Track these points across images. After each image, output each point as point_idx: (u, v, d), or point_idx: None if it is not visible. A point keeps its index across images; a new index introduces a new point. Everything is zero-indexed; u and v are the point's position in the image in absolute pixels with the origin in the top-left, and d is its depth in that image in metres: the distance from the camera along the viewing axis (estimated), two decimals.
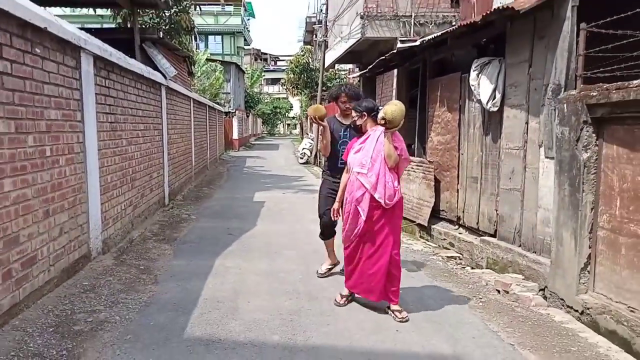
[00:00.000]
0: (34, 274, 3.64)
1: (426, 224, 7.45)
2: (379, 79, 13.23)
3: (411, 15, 11.99)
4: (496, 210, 5.99)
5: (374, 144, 3.99)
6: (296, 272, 5.07)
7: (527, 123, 5.36)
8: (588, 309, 4.20)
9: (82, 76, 4.65)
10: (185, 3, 11.64)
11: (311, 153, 21.14)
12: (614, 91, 3.94)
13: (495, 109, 5.79)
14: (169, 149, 8.92)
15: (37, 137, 3.73)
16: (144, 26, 9.07)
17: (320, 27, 20.16)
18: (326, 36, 18.60)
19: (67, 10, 19.53)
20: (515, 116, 5.55)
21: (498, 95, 5.72)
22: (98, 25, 18.36)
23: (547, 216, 5.03)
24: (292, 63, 26.76)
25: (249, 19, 52.76)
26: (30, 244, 3.59)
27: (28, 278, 3.54)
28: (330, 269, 5.02)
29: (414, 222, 7.80)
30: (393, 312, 3.98)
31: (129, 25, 10.37)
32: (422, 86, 8.13)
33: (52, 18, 3.95)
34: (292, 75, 25.80)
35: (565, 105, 4.57)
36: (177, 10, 11.62)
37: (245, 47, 51.10)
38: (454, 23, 11.86)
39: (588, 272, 4.35)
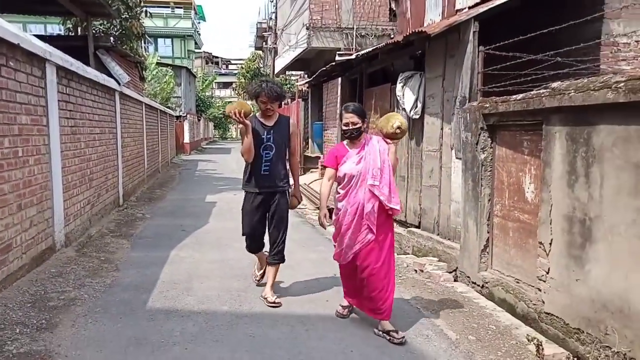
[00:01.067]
0: (10, 260, 4.15)
1: None
2: (325, 87, 14.07)
3: (353, 28, 12.93)
4: (420, 205, 6.90)
5: (377, 154, 3.76)
6: (245, 260, 5.71)
7: (441, 129, 6.29)
8: (486, 282, 5.11)
9: (47, 85, 5.15)
10: (135, 10, 12.04)
11: None
12: (500, 103, 4.88)
13: (417, 116, 6.71)
14: (123, 152, 9.35)
15: (11, 139, 4.24)
16: (95, 32, 9.43)
17: (270, 34, 20.88)
18: (276, 43, 19.33)
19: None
20: (433, 123, 6.48)
21: (419, 105, 6.64)
22: (42, 25, 18.22)
23: (458, 208, 5.96)
24: (243, 68, 27.27)
25: (199, 22, 52.69)
26: (7, 233, 4.10)
27: (5, 263, 4.06)
28: (263, 274, 4.69)
29: None
30: (388, 334, 3.65)
31: (79, 32, 10.70)
32: (359, 95, 9.00)
33: (22, 34, 4.46)
34: (243, 80, 26.31)
35: (468, 114, 5.50)
36: (127, 16, 11.99)
37: (196, 51, 51.02)
38: (392, 35, 12.88)
39: (487, 253, 5.27)
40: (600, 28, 6.63)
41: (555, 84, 4.07)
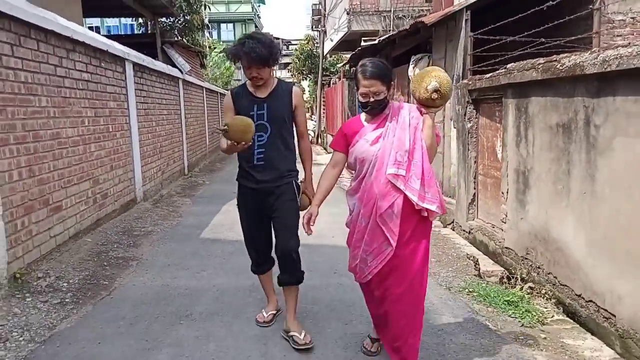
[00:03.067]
0: (107, 204, 5.86)
1: None
2: None
3: (391, 10, 13.88)
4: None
5: (406, 131, 2.59)
6: None
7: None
8: (472, 229, 6.25)
9: (127, 78, 6.79)
10: (195, 5, 13.72)
11: (314, 133, 23.19)
12: (478, 80, 5.94)
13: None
14: (187, 130, 11.09)
15: (105, 119, 5.90)
16: (162, 26, 11.13)
17: (320, 17, 22.07)
18: (324, 26, 20.51)
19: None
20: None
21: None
22: (116, 20, 20.41)
23: (455, 170, 7.07)
24: (297, 50, 28.71)
25: (259, 6, 54.53)
26: (105, 185, 5.80)
27: (104, 205, 5.76)
28: (275, 315, 3.46)
29: None
30: None
31: (149, 26, 12.53)
32: None
33: (109, 42, 6.08)
34: (297, 62, 27.80)
35: (459, 90, 6.58)
36: (189, 11, 13.70)
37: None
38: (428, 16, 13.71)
39: (474, 205, 6.39)
40: (595, 7, 7.37)
41: (509, 65, 5.12)
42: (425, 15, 14.28)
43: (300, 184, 3.19)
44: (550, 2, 5.21)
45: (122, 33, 16.21)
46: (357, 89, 2.70)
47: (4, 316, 3.32)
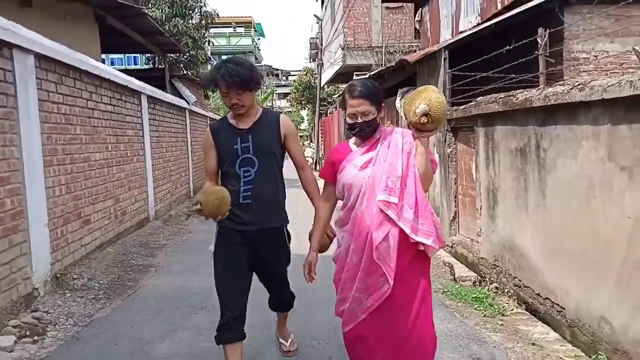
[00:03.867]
0: (125, 220, 6.55)
1: None
2: None
3: (382, 46, 14.88)
4: None
5: (398, 156, 2.34)
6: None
7: None
8: (454, 244, 6.94)
9: (142, 109, 7.58)
10: (200, 42, 14.71)
11: (313, 160, 24.07)
12: (454, 111, 6.74)
13: None
14: (192, 156, 11.86)
15: (124, 145, 6.65)
16: (169, 61, 12.03)
17: (317, 51, 23.21)
18: (321, 59, 21.58)
19: None
20: None
21: None
22: (121, 56, 21.53)
23: (438, 191, 7.81)
24: (295, 82, 29.87)
25: (259, 39, 56.37)
26: (124, 203, 6.51)
27: (123, 221, 6.46)
28: None
29: None
30: None
31: (157, 65, 13.51)
32: None
33: (128, 78, 6.88)
34: (296, 93, 28.90)
35: None
36: (193, 47, 14.69)
37: (257, 65, 54.66)
38: (417, 51, 14.69)
39: (455, 222, 7.10)
40: (562, 47, 8.26)
41: (479, 98, 5.92)
42: (415, 50, 15.28)
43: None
44: (512, 45, 6.03)
45: (127, 65, 17.20)
46: (344, 109, 2.49)
47: (51, 306, 3.99)
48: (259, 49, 55.28)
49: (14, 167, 3.71)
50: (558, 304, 4.03)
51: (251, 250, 2.73)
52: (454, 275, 5.37)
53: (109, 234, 5.80)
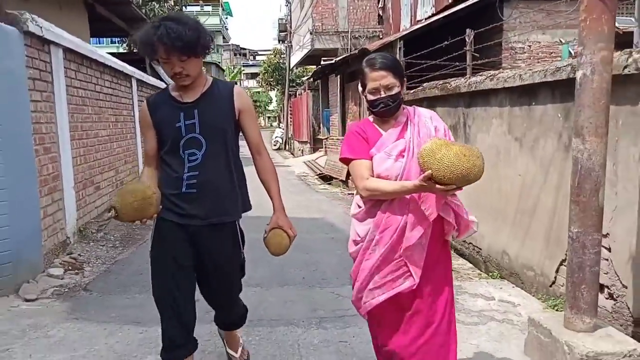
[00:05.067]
0: None
1: (344, 179, 11.48)
2: (331, 79, 17.15)
3: (348, 31, 15.93)
4: None
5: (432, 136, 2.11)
6: None
7: None
8: None
9: (132, 91, 8.47)
10: None
11: (282, 140, 25.12)
12: (406, 94, 7.93)
13: None
14: None
15: (121, 124, 7.59)
16: None
17: (287, 33, 24.05)
18: (290, 42, 22.46)
19: None
20: None
21: None
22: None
23: None
24: (265, 62, 30.59)
25: (227, 18, 56.23)
26: (122, 174, 7.48)
27: None
28: None
29: (338, 178, 11.83)
30: None
31: (133, 48, 14.22)
32: (342, 89, 12.12)
33: (122, 64, 7.77)
34: (265, 74, 29.67)
35: None
36: None
37: (225, 45, 54.66)
38: (380, 36, 15.84)
39: None
40: (501, 37, 9.55)
41: (424, 84, 7.13)
42: (378, 35, 16.41)
43: (273, 216, 2.30)
44: (448, 41, 7.24)
45: (107, 50, 17.83)
46: (363, 88, 2.15)
47: (82, 251, 5.03)
48: (227, 28, 55.24)
49: (53, 139, 4.69)
50: (477, 246, 5.31)
51: (195, 248, 2.21)
52: None
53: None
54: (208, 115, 2.18)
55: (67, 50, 5.10)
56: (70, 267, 4.56)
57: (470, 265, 5.08)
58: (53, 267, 4.46)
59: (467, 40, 6.07)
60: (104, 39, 16.14)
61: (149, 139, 2.28)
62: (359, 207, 2.18)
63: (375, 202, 2.11)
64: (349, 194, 10.07)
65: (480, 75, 5.38)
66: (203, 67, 2.33)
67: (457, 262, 5.14)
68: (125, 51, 14.85)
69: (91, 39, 10.70)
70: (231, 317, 2.54)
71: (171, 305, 2.23)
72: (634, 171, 3.03)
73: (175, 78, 2.12)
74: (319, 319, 3.51)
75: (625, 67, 3.03)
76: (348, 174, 11.46)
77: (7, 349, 3.05)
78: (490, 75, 5.08)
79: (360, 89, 2.22)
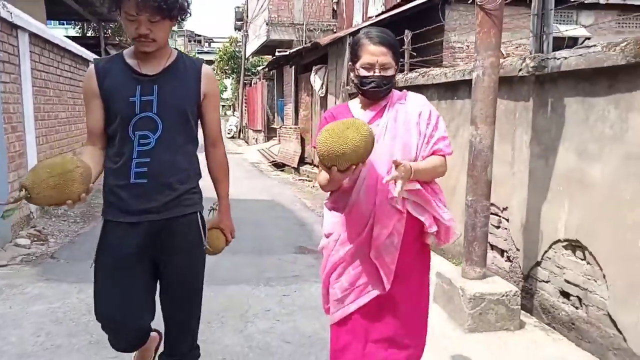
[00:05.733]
0: None
1: (296, 166, 12.07)
2: (285, 70, 17.61)
3: (303, 24, 16.42)
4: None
5: (412, 131, 1.90)
6: None
7: (335, 102, 9.99)
8: None
9: None
10: None
11: (237, 129, 25.37)
12: (347, 88, 8.57)
13: (323, 95, 10.40)
14: None
15: (78, 107, 7.82)
16: (105, 33, 12.81)
17: (243, 23, 24.23)
18: (247, 31, 22.68)
19: None
20: (332, 98, 10.18)
21: (324, 88, 10.32)
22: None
23: None
24: (220, 50, 30.57)
25: None
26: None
27: None
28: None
29: (290, 165, 12.39)
30: None
31: (86, 33, 14.21)
32: (295, 79, 12.64)
33: (81, 49, 7.99)
34: (221, 63, 29.68)
35: (342, 93, 9.21)
36: None
37: (179, 30, 53.73)
38: (334, 30, 16.43)
39: None
40: (442, 38, 10.35)
41: None
42: (332, 28, 17.00)
43: (210, 212, 2.10)
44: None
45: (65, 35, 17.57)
46: (353, 62, 1.91)
47: (44, 225, 5.38)
48: None
49: (19, 119, 4.99)
50: None
51: (150, 249, 1.86)
52: None
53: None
54: (169, 93, 1.83)
55: (32, 35, 5.37)
56: (35, 239, 4.91)
57: None
58: (20, 238, 4.80)
59: (405, 40, 6.72)
60: (54, 21, 15.87)
61: (93, 111, 1.85)
62: (330, 195, 1.99)
63: (341, 192, 1.90)
64: (299, 179, 10.67)
65: (415, 72, 6.07)
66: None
67: None
68: (78, 35, 14.78)
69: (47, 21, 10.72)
70: (182, 346, 1.98)
71: (118, 319, 1.87)
72: (525, 155, 3.76)
73: (138, 41, 1.76)
74: (266, 279, 4.08)
75: (520, 70, 3.76)
76: (300, 161, 12.06)
77: None
78: (423, 73, 5.78)
79: (349, 64, 1.97)
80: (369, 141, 1.65)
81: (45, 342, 2.90)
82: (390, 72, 1.86)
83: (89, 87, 1.88)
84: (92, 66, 1.90)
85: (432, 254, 2.13)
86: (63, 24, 15.06)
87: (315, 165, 11.35)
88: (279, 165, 12.90)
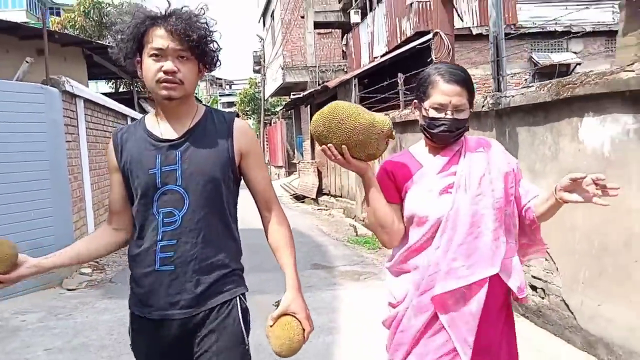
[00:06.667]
0: None
1: (315, 197, 12.99)
2: (302, 109, 18.82)
3: (315, 66, 17.65)
4: (341, 183, 11.57)
5: (499, 174, 1.68)
6: None
7: None
8: (364, 218, 9.71)
9: None
10: None
11: None
12: None
13: None
14: None
15: None
16: (137, 89, 14.25)
17: (261, 66, 25.81)
18: (264, 75, 24.17)
19: None
20: None
21: None
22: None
23: (353, 180, 10.61)
24: (240, 94, 32.26)
25: None
26: None
27: None
28: None
29: (310, 197, 13.33)
30: None
31: (119, 87, 15.70)
32: (310, 117, 13.74)
33: (122, 106, 9.20)
34: (241, 106, 31.33)
35: None
36: None
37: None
38: (345, 69, 17.60)
39: (365, 203, 9.91)
40: None
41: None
42: (343, 68, 18.20)
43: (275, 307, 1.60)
44: (390, 80, 8.90)
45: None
46: (420, 100, 1.69)
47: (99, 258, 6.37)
48: None
49: (79, 170, 6.08)
50: None
51: (183, 351, 1.58)
52: (357, 233, 8.16)
53: None
54: (195, 159, 1.55)
55: (86, 100, 6.53)
56: (95, 268, 5.91)
57: None
58: (83, 268, 5.80)
59: (399, 81, 7.68)
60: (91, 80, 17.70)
61: (113, 187, 1.66)
62: (393, 257, 1.72)
63: (411, 251, 1.65)
64: (317, 209, 11.58)
65: (408, 109, 7.00)
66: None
67: None
68: (112, 90, 16.32)
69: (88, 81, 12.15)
70: None
71: None
72: None
73: (163, 85, 1.48)
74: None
75: (483, 106, 4.65)
76: (318, 192, 12.99)
77: (69, 314, 4.42)
78: (414, 110, 6.71)
79: (415, 100, 1.74)
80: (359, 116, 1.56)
81: (118, 338, 3.82)
82: (463, 115, 1.64)
83: (109, 161, 1.65)
84: (112, 137, 1.67)
85: None
86: (98, 79, 16.68)
87: (333, 195, 12.28)
88: (300, 198, 13.84)
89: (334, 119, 1.55)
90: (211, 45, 1.58)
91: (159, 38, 1.48)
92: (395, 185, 1.71)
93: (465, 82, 1.65)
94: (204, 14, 1.56)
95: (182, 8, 1.52)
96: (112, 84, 16.73)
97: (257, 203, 1.70)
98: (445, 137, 1.66)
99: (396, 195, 1.71)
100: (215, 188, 1.58)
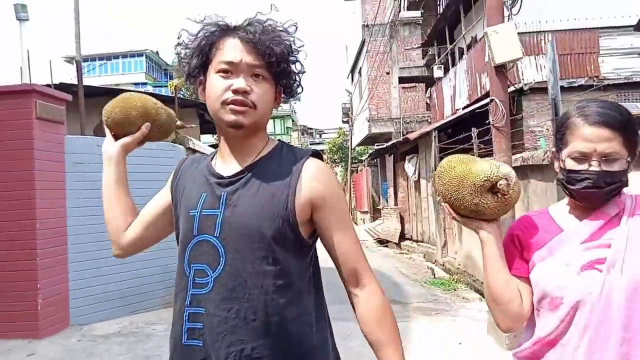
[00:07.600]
0: None
1: (397, 241, 13.58)
2: (386, 158, 19.65)
3: (400, 117, 18.56)
4: (422, 229, 12.11)
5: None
6: None
7: (427, 185, 11.60)
8: (444, 262, 10.20)
9: None
10: None
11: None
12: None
13: (416, 179, 12.07)
14: None
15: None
16: None
17: (349, 118, 27.29)
18: (352, 125, 25.54)
19: None
20: (423, 182, 11.80)
21: (416, 174, 12.01)
22: None
23: (434, 227, 11.13)
24: (329, 144, 33.95)
25: (295, 103, 61.84)
26: None
27: None
28: None
29: (392, 241, 13.93)
30: None
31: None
32: (394, 166, 14.53)
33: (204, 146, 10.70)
34: (330, 155, 32.93)
35: (433, 177, 10.82)
36: None
37: (293, 127, 59.83)
38: (429, 120, 18.31)
39: (445, 248, 10.38)
40: (522, 124, 11.69)
41: None
42: (427, 119, 18.90)
43: None
44: (467, 133, 9.52)
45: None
46: (559, 148, 1.32)
47: None
48: (295, 112, 60.49)
49: None
50: None
51: None
52: (434, 275, 8.66)
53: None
54: (242, 206, 1.17)
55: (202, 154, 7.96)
56: None
57: (479, 296, 7.02)
58: None
59: (472, 135, 8.30)
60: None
61: (153, 201, 1.39)
62: (520, 345, 1.37)
63: (544, 344, 1.28)
64: (399, 253, 12.16)
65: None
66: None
67: (469, 294, 7.09)
68: (217, 142, 18.39)
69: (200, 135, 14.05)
70: None
71: None
72: None
73: (227, 107, 1.17)
74: None
75: (543, 160, 5.24)
76: (400, 237, 13.57)
77: None
78: (550, 161, 7.32)
79: (552, 150, 1.38)
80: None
81: None
82: (617, 166, 1.22)
83: (168, 182, 1.38)
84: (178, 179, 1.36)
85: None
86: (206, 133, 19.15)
87: (414, 240, 12.82)
88: (383, 242, 14.48)
89: (436, 174, 1.41)
90: (294, 66, 1.26)
91: (231, 49, 1.18)
92: (520, 253, 1.35)
93: (620, 124, 1.22)
94: (294, 31, 1.24)
95: (266, 20, 1.22)
96: (216, 137, 18.95)
97: (341, 276, 1.26)
98: (591, 196, 1.24)
99: (520, 266, 1.34)
100: (264, 248, 1.15)
